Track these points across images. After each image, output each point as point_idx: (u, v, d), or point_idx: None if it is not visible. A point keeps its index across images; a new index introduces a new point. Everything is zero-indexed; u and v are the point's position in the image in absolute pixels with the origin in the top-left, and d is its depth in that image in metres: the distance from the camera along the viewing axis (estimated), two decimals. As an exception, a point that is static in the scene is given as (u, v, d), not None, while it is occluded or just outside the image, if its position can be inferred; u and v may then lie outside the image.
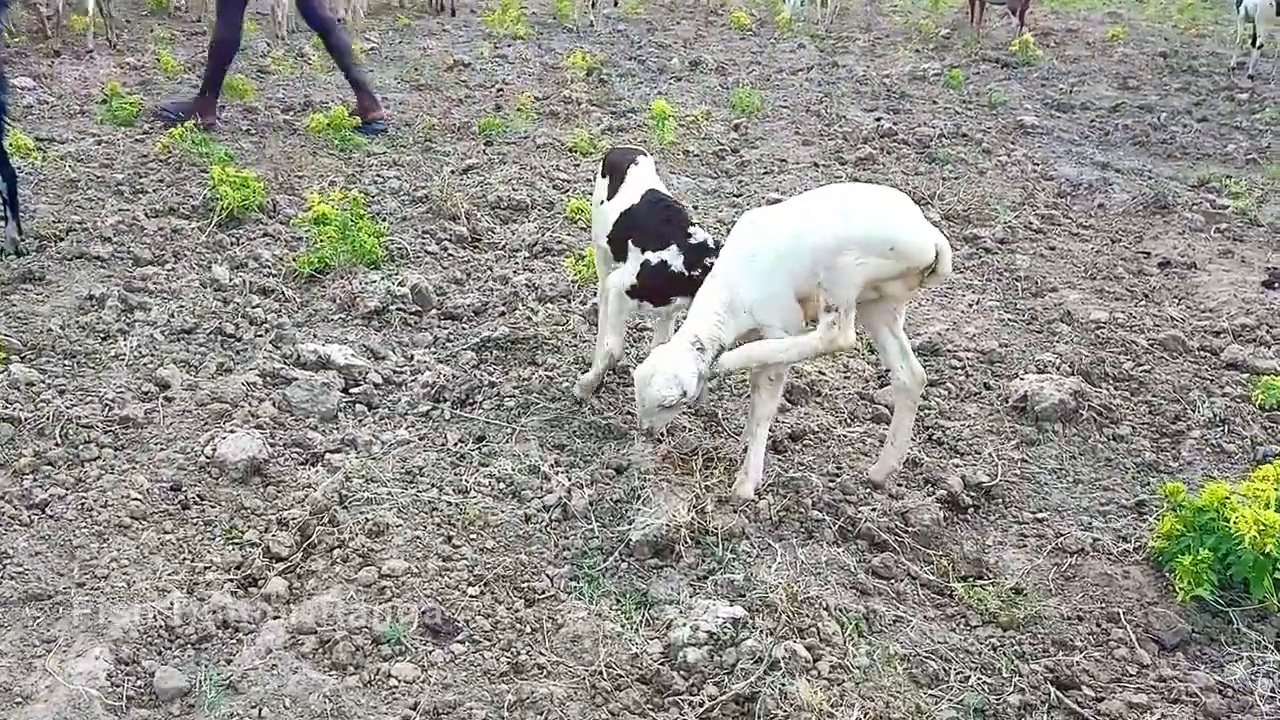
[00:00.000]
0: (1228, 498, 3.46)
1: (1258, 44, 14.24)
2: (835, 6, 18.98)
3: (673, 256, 4.09)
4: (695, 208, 7.73)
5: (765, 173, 8.92)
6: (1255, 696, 3.09)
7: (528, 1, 19.09)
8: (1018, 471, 4.43)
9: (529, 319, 5.37)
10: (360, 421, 4.44)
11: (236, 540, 3.56)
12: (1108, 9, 23.80)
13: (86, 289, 5.28)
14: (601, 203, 4.43)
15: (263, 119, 9.27)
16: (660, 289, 4.18)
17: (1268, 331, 5.77)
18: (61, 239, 5.98)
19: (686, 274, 4.10)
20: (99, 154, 7.83)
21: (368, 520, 3.64)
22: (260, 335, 5.04)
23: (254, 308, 5.27)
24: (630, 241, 4.20)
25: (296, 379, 4.52)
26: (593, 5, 16.77)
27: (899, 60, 15.15)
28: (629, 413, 4.61)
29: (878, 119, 11.06)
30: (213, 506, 3.73)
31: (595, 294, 5.59)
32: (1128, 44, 17.32)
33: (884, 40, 17.23)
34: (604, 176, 4.51)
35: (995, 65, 15.02)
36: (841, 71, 14.13)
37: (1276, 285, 6.51)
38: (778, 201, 7.04)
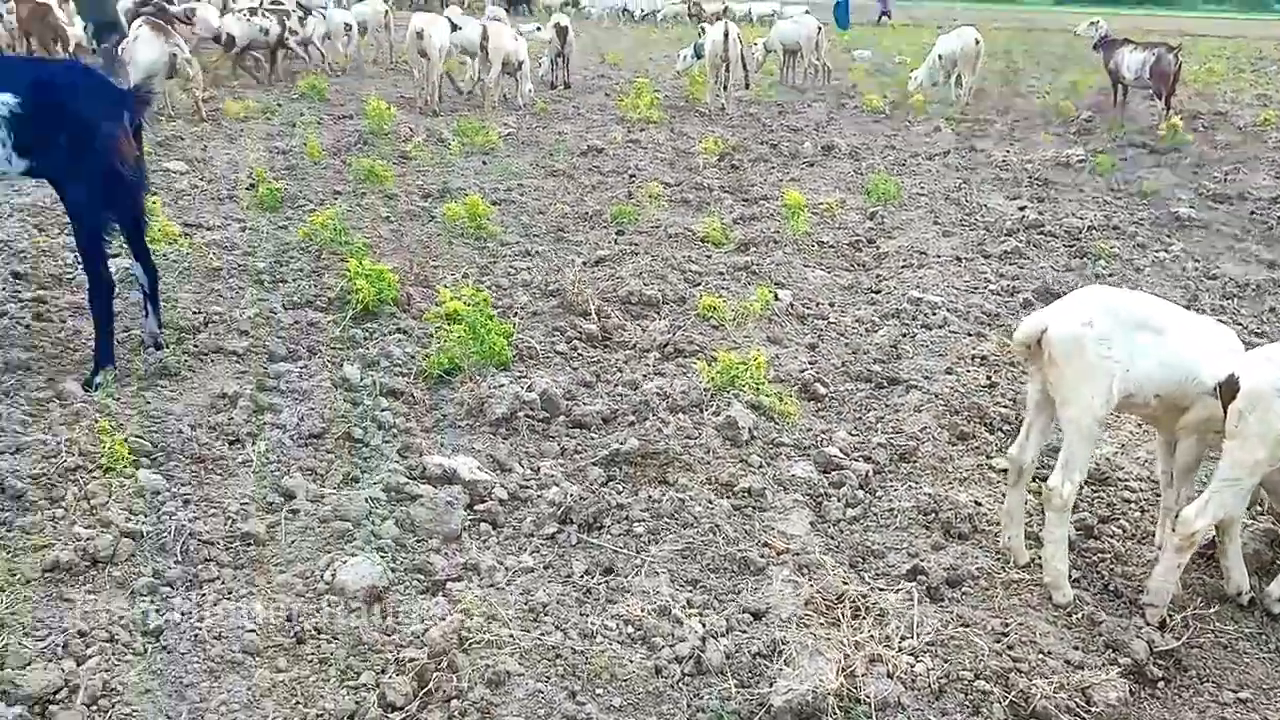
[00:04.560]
0: None
1: None
2: (970, 87, 18.54)
3: None
4: (832, 305, 7.41)
5: (904, 266, 8.53)
6: None
7: (660, 85, 19.25)
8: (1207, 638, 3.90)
9: (659, 430, 5.11)
10: (485, 543, 4.22)
11: (351, 683, 3.34)
12: (1255, 91, 22.65)
13: (220, 386, 5.27)
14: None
15: (401, 206, 9.38)
16: None
17: None
18: (200, 330, 6.04)
19: None
20: (243, 241, 8.01)
21: (488, 668, 3.38)
22: (387, 442, 4.90)
23: (382, 411, 5.15)
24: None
25: (420, 495, 4.35)
26: (724, 89, 16.69)
27: (1039, 145, 14.60)
28: (765, 544, 4.28)
29: (1021, 208, 10.56)
30: (329, 641, 3.53)
31: (694, 402, 5.29)
32: (1285, 129, 16.33)
33: (1022, 123, 16.68)
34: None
35: (1142, 150, 14.32)
36: (980, 156, 13.66)
37: None
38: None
